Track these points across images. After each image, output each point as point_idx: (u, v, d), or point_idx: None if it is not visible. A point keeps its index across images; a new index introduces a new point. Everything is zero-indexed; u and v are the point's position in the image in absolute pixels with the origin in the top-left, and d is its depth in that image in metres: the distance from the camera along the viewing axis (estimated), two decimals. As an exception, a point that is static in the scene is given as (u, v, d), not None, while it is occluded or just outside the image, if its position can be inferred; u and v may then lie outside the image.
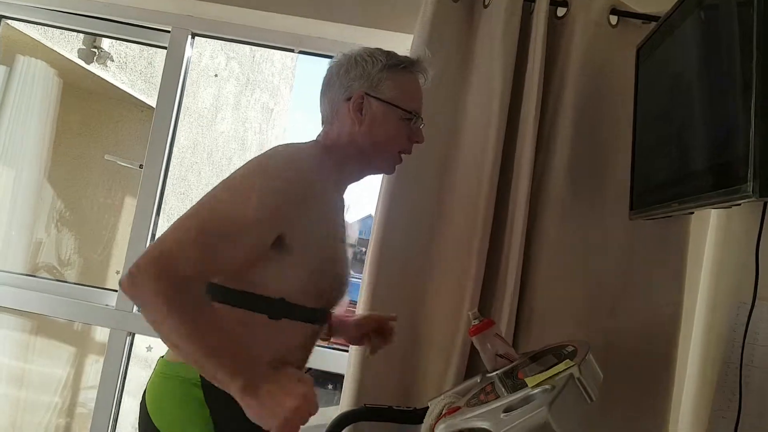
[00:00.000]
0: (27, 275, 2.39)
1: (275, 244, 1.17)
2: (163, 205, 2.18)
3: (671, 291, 1.72)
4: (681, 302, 1.71)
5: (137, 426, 1.27)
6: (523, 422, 0.99)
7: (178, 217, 1.10)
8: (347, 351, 1.86)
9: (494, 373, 1.46)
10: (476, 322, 1.50)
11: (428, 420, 1.47)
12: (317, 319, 1.32)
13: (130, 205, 4.43)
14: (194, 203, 1.13)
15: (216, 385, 1.07)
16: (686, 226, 1.74)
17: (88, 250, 4.27)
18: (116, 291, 2.08)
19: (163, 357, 1.30)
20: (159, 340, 2.01)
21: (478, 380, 1.56)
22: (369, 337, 1.60)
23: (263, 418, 1.05)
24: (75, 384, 4.11)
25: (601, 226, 1.77)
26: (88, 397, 4.13)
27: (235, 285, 1.21)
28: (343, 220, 1.42)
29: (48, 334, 3.95)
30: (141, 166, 2.11)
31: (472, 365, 1.76)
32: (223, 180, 1.18)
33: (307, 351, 1.35)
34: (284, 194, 1.16)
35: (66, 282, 2.26)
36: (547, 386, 1.08)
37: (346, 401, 1.78)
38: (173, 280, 1.03)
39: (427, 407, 1.57)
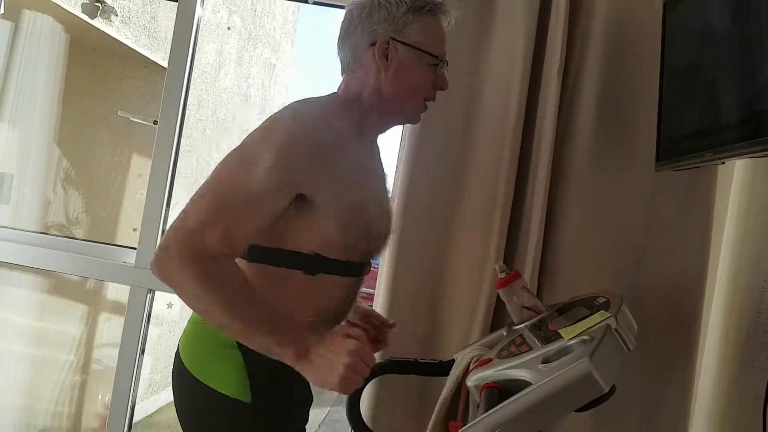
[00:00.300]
0: (45, 234, 2.38)
1: (299, 202, 1.16)
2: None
3: (697, 241, 1.71)
4: (707, 252, 1.71)
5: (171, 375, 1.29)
6: (564, 373, 0.99)
7: (196, 191, 1.10)
8: (371, 305, 1.86)
9: (522, 325, 1.47)
10: (503, 274, 1.50)
11: (455, 372, 1.48)
12: (355, 271, 1.30)
13: (137, 162, 4.40)
14: (210, 173, 1.13)
15: (268, 355, 1.09)
16: (713, 176, 1.72)
17: (96, 208, 4.25)
18: (134, 249, 2.07)
19: None
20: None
21: (504, 333, 1.56)
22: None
23: (322, 382, 1.07)
24: (89, 342, 4.15)
25: (626, 178, 1.75)
26: (103, 354, 4.17)
27: (268, 243, 1.20)
28: (378, 170, 1.39)
29: (61, 293, 3.97)
30: (155, 122, 2.08)
31: (495, 318, 1.77)
32: (237, 146, 1.16)
33: (351, 302, 1.34)
34: (297, 154, 1.13)
35: (85, 240, 2.24)
36: (585, 337, 1.08)
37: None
38: (204, 261, 1.04)
39: (452, 360, 1.58)
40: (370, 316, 1.55)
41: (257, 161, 1.11)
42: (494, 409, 0.99)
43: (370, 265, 1.35)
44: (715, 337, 1.64)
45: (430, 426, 1.45)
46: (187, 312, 1.28)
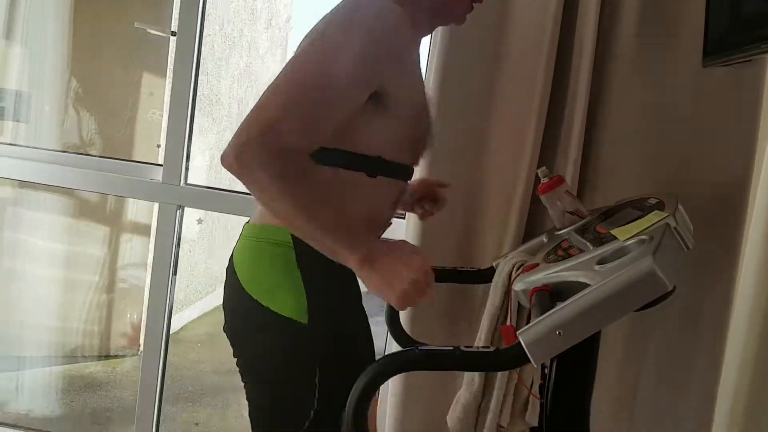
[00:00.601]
0: (70, 152, 2.35)
1: (370, 100, 1.11)
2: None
3: (742, 148, 1.66)
4: (753, 150, 1.66)
5: (223, 291, 1.28)
6: (625, 273, 0.96)
7: (272, 83, 1.04)
8: (403, 218, 1.84)
9: (565, 230, 1.45)
10: (546, 179, 1.47)
11: (499, 278, 1.47)
12: (407, 175, 1.30)
13: (148, 80, 4.32)
14: (286, 66, 1.07)
15: (332, 258, 1.06)
16: (761, 69, 1.65)
17: (109, 128, 4.20)
18: (160, 165, 2.03)
19: (249, 222, 1.28)
20: (209, 212, 2.00)
21: (545, 239, 1.55)
22: (421, 203, 1.60)
23: (383, 290, 1.04)
24: (112, 262, 4.20)
25: (670, 80, 1.68)
26: (128, 273, 4.23)
27: (333, 144, 1.16)
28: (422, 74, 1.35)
29: (82, 215, 3.99)
30: (173, 33, 2.00)
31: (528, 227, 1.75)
32: (311, 39, 1.12)
33: (396, 207, 1.34)
34: (376, 47, 1.09)
35: (109, 158, 2.20)
36: (643, 237, 1.05)
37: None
38: (282, 156, 0.99)
39: (491, 267, 1.57)
40: (424, 181, 1.62)
41: (341, 53, 1.06)
42: (554, 310, 0.97)
43: (413, 170, 1.34)
44: (757, 239, 1.62)
45: (482, 335, 1.46)
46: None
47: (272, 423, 1.23)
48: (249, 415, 1.26)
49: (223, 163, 1.00)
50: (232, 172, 1.00)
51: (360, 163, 1.19)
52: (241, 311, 1.23)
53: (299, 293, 1.17)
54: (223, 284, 1.27)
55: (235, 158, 0.98)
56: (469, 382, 1.47)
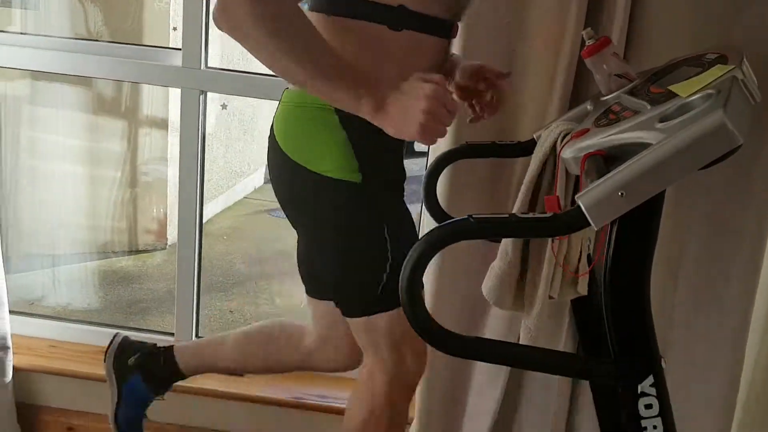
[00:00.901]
0: (83, 40, 2.25)
1: None
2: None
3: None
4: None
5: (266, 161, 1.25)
6: (693, 128, 0.91)
7: None
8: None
9: (613, 94, 1.38)
10: (591, 41, 1.38)
11: (541, 149, 1.42)
12: (443, 30, 1.19)
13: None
14: None
15: (341, 108, 1.04)
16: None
17: (116, 20, 4.04)
18: (179, 50, 1.95)
19: (288, 89, 1.22)
20: (233, 96, 1.94)
21: (589, 106, 1.48)
22: (475, 95, 1.43)
23: (401, 131, 1.01)
24: (133, 157, 4.18)
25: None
26: (150, 168, 4.23)
27: None
28: None
29: (98, 110, 3.94)
30: None
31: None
32: None
33: (440, 69, 1.25)
34: None
35: (125, 43, 2.12)
36: (709, 91, 0.98)
37: (442, 146, 1.73)
38: (272, 2, 0.95)
39: (532, 140, 1.52)
40: (481, 71, 1.40)
41: None
42: (617, 170, 0.93)
43: (456, 26, 1.23)
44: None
45: (517, 205, 1.43)
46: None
47: (352, 285, 1.24)
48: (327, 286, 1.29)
49: (216, 23, 0.97)
50: (224, 29, 0.97)
51: (378, 13, 1.10)
52: (291, 181, 1.21)
53: (348, 154, 1.14)
54: (267, 157, 1.24)
55: (222, 14, 0.95)
56: (503, 252, 1.45)
